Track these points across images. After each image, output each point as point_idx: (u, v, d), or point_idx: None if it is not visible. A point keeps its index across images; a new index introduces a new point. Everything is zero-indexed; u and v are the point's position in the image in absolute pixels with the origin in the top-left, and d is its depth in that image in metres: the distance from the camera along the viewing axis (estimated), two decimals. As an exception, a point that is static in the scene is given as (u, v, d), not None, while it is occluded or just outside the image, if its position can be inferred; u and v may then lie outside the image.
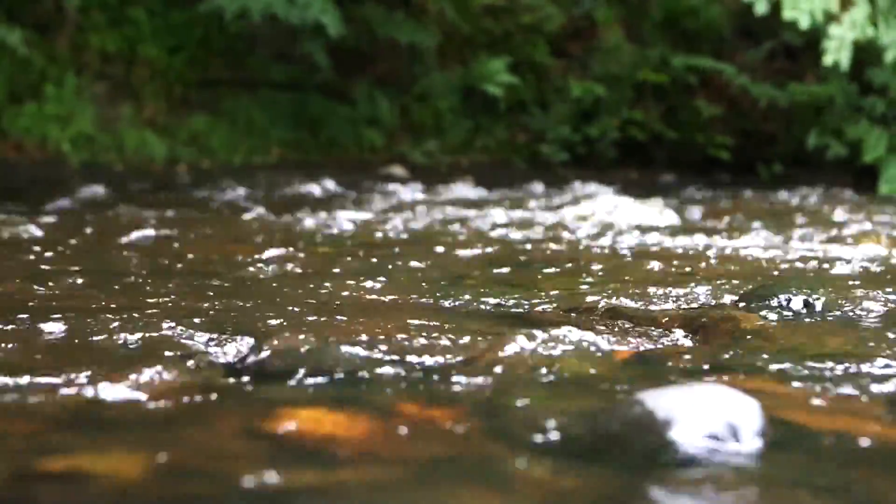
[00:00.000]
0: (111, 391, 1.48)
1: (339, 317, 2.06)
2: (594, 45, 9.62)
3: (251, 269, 2.83)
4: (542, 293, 2.43)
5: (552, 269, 2.98)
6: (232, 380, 1.57)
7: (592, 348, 1.78)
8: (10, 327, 1.94)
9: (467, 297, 2.40)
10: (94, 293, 2.40)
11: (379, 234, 3.98)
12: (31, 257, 2.96)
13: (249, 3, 7.79)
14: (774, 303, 2.13)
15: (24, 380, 1.53)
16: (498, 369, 1.65)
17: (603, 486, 1.13)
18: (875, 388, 1.56)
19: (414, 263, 3.04)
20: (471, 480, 1.15)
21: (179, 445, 1.27)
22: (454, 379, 1.60)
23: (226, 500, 1.08)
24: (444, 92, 9.26)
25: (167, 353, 1.70)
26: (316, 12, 7.85)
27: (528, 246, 3.64)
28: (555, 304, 2.29)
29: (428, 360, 1.68)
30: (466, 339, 1.82)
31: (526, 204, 5.55)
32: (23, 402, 1.44)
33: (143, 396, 1.47)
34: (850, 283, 2.64)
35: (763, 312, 2.07)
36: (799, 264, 3.11)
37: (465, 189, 6.45)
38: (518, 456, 1.22)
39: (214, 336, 1.85)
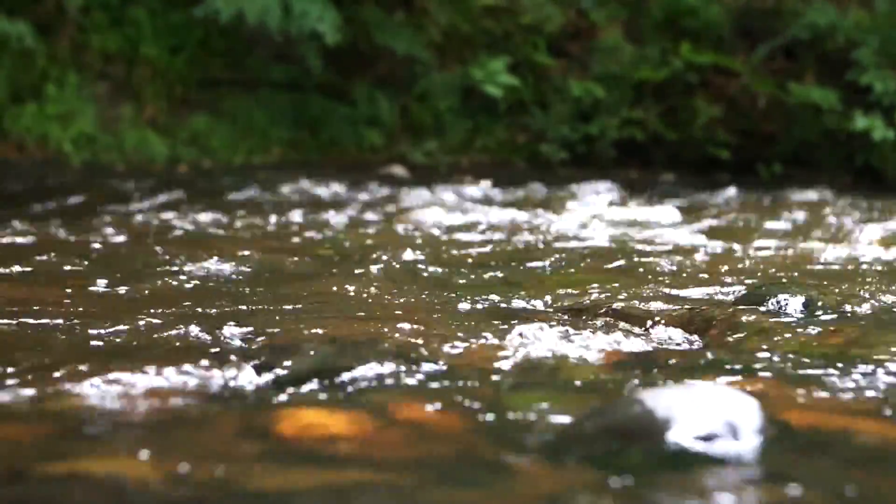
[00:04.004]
0: (114, 392, 1.49)
1: (339, 317, 2.07)
2: (594, 44, 9.61)
3: (252, 269, 2.83)
4: (542, 293, 2.43)
5: (552, 269, 2.99)
6: (233, 380, 1.57)
7: (592, 348, 1.79)
8: (13, 328, 1.94)
9: (467, 296, 2.40)
10: (95, 293, 2.40)
11: (379, 235, 3.99)
12: (34, 258, 2.96)
13: (246, 8, 7.78)
14: (774, 303, 2.13)
15: (28, 381, 1.54)
16: (498, 369, 1.65)
17: (602, 485, 1.13)
18: (875, 388, 1.56)
19: (414, 263, 3.05)
20: (470, 480, 1.15)
21: (181, 446, 1.27)
22: (454, 379, 1.60)
23: (228, 501, 1.09)
24: (444, 92, 9.25)
25: (168, 355, 1.70)
26: (312, 21, 7.83)
27: (528, 245, 3.65)
28: (554, 304, 2.30)
29: (428, 360, 1.69)
30: (466, 339, 1.83)
31: (525, 203, 5.55)
32: (26, 404, 1.45)
33: (144, 397, 1.47)
34: (850, 283, 2.64)
35: (763, 312, 2.07)
36: (799, 264, 3.12)
37: (464, 189, 6.45)
38: (518, 455, 1.22)
39: (215, 337, 1.85)
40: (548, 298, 2.37)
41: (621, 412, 1.27)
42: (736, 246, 3.62)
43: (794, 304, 2.13)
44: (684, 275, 2.82)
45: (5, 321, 1.99)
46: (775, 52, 9.32)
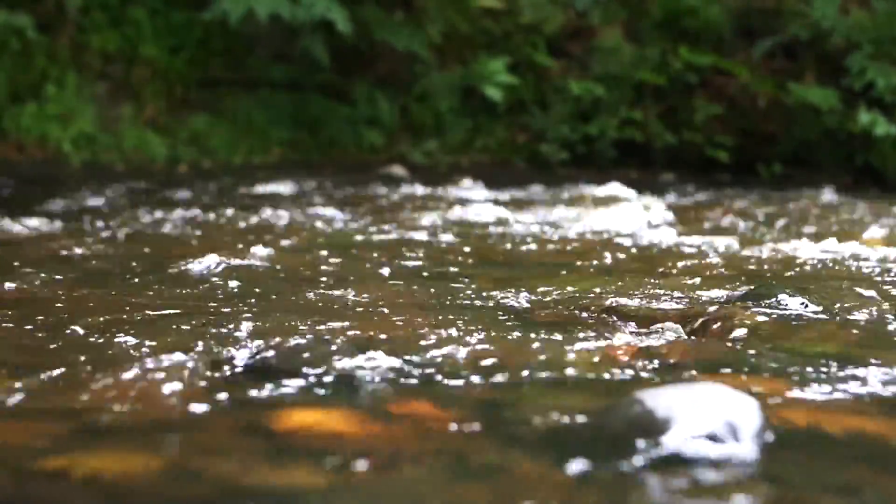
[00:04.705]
0: (112, 391, 1.49)
1: (339, 317, 2.07)
2: (593, 45, 9.61)
3: (251, 269, 2.83)
4: (542, 293, 2.43)
5: (552, 269, 2.99)
6: (233, 379, 1.57)
7: (592, 348, 1.79)
8: (11, 327, 1.94)
9: (467, 296, 2.40)
10: (95, 293, 2.40)
11: (379, 235, 3.99)
12: (32, 257, 2.96)
13: (255, 6, 7.80)
14: (774, 303, 2.13)
15: (26, 379, 1.54)
16: (498, 369, 1.65)
17: (602, 485, 1.13)
18: (875, 388, 1.56)
19: (414, 263, 3.05)
20: (471, 480, 1.15)
21: (180, 445, 1.27)
22: (454, 379, 1.60)
23: (226, 501, 1.09)
24: (444, 92, 9.26)
25: (168, 353, 1.70)
26: (321, 10, 7.86)
27: (528, 245, 3.64)
28: (555, 304, 2.30)
29: (428, 360, 1.69)
30: (466, 338, 1.83)
31: (526, 203, 5.55)
32: (24, 403, 1.45)
33: (143, 396, 1.47)
34: (850, 282, 2.64)
35: (763, 312, 2.07)
36: (799, 264, 3.11)
37: (464, 189, 6.45)
38: (518, 455, 1.22)
39: (215, 336, 1.85)
40: (548, 298, 2.37)
41: (621, 412, 1.27)
42: (736, 246, 3.61)
43: (794, 304, 2.12)
44: (684, 275, 2.82)
45: (6, 319, 1.99)
46: (775, 50, 9.32)
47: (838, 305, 2.17)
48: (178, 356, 1.67)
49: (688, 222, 4.69)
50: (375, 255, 3.24)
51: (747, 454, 1.21)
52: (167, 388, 1.50)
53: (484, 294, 2.43)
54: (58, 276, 2.67)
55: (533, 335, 1.84)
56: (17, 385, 1.51)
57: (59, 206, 5.04)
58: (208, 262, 2.89)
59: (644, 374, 1.64)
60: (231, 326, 1.92)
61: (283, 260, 3.05)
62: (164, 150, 8.17)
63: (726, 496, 1.10)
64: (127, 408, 1.42)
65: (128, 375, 1.54)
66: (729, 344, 1.86)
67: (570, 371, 1.64)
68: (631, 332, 1.97)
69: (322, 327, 1.92)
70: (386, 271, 2.86)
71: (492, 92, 8.87)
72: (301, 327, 1.92)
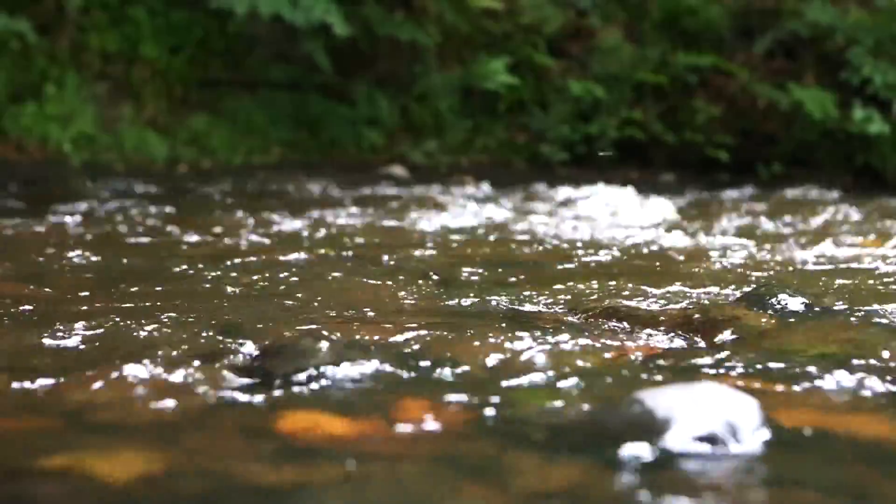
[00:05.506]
0: (113, 391, 1.49)
1: (339, 317, 2.07)
2: (593, 45, 9.61)
3: (251, 269, 2.83)
4: (543, 293, 2.43)
5: (552, 269, 2.99)
6: (233, 380, 1.57)
7: (592, 348, 1.79)
8: (11, 327, 1.94)
9: (467, 296, 2.40)
10: (95, 293, 2.40)
11: (379, 235, 3.99)
12: (33, 257, 2.96)
13: (259, 4, 7.81)
14: (774, 303, 2.13)
15: (26, 379, 1.54)
16: (498, 369, 1.65)
17: (602, 484, 1.13)
18: (875, 388, 1.56)
19: (414, 263, 3.05)
20: (471, 480, 1.15)
21: (180, 445, 1.27)
22: (455, 379, 1.60)
23: (227, 500, 1.09)
24: (444, 92, 9.25)
25: (168, 354, 1.70)
26: (319, 14, 7.87)
27: (529, 246, 3.65)
28: (555, 304, 2.30)
29: (428, 360, 1.69)
30: (467, 338, 1.83)
31: (526, 204, 5.55)
32: (24, 402, 1.45)
33: (144, 396, 1.47)
34: (850, 282, 2.64)
35: (763, 312, 2.07)
36: (799, 264, 3.12)
37: (465, 189, 6.45)
38: (518, 455, 1.22)
39: (215, 336, 1.85)
40: (548, 298, 2.37)
41: (621, 412, 1.27)
42: (736, 246, 3.62)
43: (794, 304, 2.12)
44: (684, 275, 2.82)
45: (8, 318, 1.99)
46: (775, 50, 9.33)
47: (839, 305, 2.17)
48: (179, 356, 1.67)
49: (688, 223, 4.69)
50: (375, 255, 3.23)
51: (747, 454, 1.21)
52: (167, 389, 1.50)
53: (484, 294, 2.43)
54: (59, 276, 2.67)
55: (533, 335, 1.84)
56: (17, 384, 1.51)
57: (60, 205, 5.04)
58: (208, 263, 2.89)
59: (644, 374, 1.64)
60: (231, 327, 1.92)
61: (283, 261, 3.05)
62: (164, 150, 8.16)
63: (726, 496, 1.10)
64: (127, 408, 1.42)
65: (128, 375, 1.54)
66: (729, 344, 1.86)
67: (569, 371, 1.64)
68: (631, 333, 1.97)
69: (322, 328, 1.92)
70: (386, 272, 2.86)
71: (491, 84, 8.88)
72: (301, 328, 1.92)
